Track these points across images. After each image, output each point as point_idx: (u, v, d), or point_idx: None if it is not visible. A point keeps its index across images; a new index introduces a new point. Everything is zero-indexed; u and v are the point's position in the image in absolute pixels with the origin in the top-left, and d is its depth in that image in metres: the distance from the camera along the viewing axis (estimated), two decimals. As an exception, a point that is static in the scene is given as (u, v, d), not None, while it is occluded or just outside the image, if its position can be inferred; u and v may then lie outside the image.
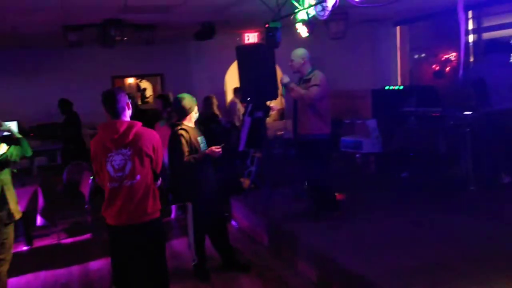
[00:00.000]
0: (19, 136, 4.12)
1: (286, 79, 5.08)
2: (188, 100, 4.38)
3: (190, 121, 4.43)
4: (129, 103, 3.35)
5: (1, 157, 3.84)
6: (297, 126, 5.12)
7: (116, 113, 3.26)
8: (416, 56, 10.72)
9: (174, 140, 4.29)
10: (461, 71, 4.69)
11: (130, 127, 3.22)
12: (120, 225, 3.27)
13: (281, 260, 4.87)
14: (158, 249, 3.41)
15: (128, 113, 3.32)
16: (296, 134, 5.17)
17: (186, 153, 4.23)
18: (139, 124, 3.30)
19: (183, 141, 4.23)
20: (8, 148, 3.90)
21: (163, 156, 3.55)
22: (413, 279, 3.50)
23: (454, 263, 3.71)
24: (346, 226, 4.81)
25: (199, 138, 4.41)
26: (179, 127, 4.31)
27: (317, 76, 4.90)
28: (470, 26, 8.80)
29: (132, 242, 3.29)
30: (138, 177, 3.22)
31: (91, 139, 3.38)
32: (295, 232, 4.83)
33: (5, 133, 4.17)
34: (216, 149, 4.31)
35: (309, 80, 4.93)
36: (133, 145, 3.21)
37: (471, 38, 8.79)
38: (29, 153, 4.13)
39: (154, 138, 3.33)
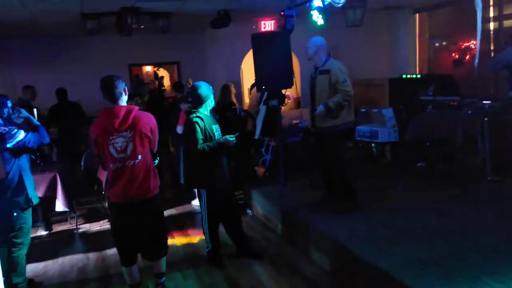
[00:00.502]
0: (38, 123, 4.19)
1: (320, 109, 4.83)
2: (204, 88, 4.40)
3: (205, 109, 4.45)
4: (126, 89, 3.58)
5: (19, 144, 3.91)
6: (314, 116, 5.01)
7: (115, 99, 3.51)
8: (436, 44, 10.54)
9: (189, 128, 4.32)
10: (476, 60, 4.58)
11: (129, 111, 3.48)
12: (125, 202, 3.55)
13: (295, 248, 4.89)
14: (159, 218, 3.80)
15: (125, 98, 3.56)
16: (314, 124, 5.09)
17: (200, 141, 4.26)
18: (136, 108, 3.57)
19: (198, 128, 4.26)
20: (26, 135, 3.97)
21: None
22: (426, 269, 3.49)
23: (468, 254, 3.69)
24: (361, 216, 4.80)
25: (213, 127, 4.43)
26: (195, 115, 4.34)
27: (336, 70, 4.77)
28: (491, 13, 8.62)
29: (136, 216, 3.60)
30: (140, 157, 3.50)
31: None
32: (309, 220, 4.84)
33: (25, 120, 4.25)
34: (230, 138, 4.32)
35: (327, 71, 4.82)
36: (133, 127, 3.46)
37: (491, 26, 8.62)
38: (47, 140, 4.20)
39: (151, 121, 3.60)
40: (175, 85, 8.43)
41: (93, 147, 3.61)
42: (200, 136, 4.27)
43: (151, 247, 3.78)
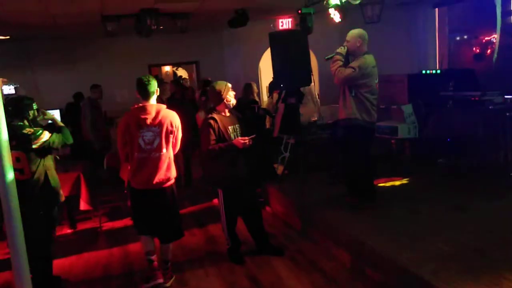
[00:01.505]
0: (61, 124, 4.31)
1: (340, 49, 4.81)
2: (219, 86, 4.44)
3: (224, 108, 4.49)
4: (158, 90, 4.08)
5: (44, 144, 4.03)
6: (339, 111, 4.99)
7: (148, 97, 4.01)
8: (457, 38, 10.40)
9: (202, 128, 4.43)
10: (495, 55, 4.52)
11: (158, 109, 4.00)
12: (147, 189, 4.04)
13: (315, 244, 4.92)
14: (174, 205, 4.24)
15: (155, 97, 4.05)
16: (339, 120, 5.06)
17: (212, 141, 4.32)
18: (164, 106, 4.08)
19: (210, 130, 4.33)
20: (51, 136, 4.08)
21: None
22: (445, 264, 3.48)
23: (488, 249, 3.67)
24: (380, 211, 4.80)
25: (230, 128, 4.45)
26: (210, 116, 4.41)
27: (359, 60, 4.69)
28: (512, 6, 8.47)
29: (155, 201, 4.10)
30: (164, 150, 4.00)
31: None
32: (328, 216, 4.87)
33: (49, 121, 4.37)
34: (243, 140, 4.34)
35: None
36: (161, 124, 3.96)
37: (513, 19, 8.47)
38: (70, 140, 4.32)
39: (175, 119, 4.09)
40: (204, 83, 8.53)
41: (120, 136, 4.07)
42: (212, 137, 4.33)
43: (165, 230, 4.24)
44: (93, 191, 5.99)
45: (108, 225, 6.29)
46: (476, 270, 3.35)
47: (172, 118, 4.04)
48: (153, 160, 3.97)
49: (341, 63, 4.74)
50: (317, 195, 5.65)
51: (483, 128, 5.88)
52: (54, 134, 4.15)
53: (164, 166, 4.01)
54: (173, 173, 4.14)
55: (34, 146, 3.99)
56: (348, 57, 4.87)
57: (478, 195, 5.04)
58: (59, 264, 4.95)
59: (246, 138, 4.37)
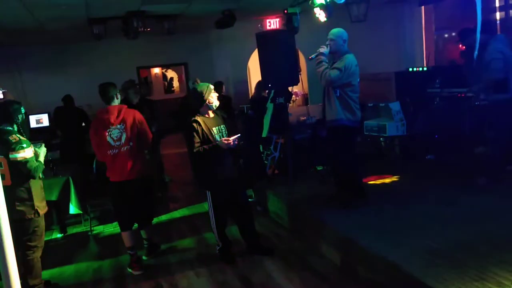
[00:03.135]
0: (41, 161, 4.12)
1: (323, 49, 4.78)
2: (201, 88, 4.46)
3: (207, 110, 4.51)
4: (117, 94, 4.57)
5: (21, 161, 3.88)
6: (324, 111, 5.01)
7: (108, 100, 4.52)
8: (444, 36, 10.50)
9: (186, 131, 4.48)
10: (476, 52, 4.59)
11: (120, 109, 4.50)
12: (122, 181, 4.51)
13: (305, 243, 4.94)
14: (148, 194, 4.76)
15: (117, 100, 4.55)
16: (325, 119, 5.08)
17: (197, 144, 4.33)
18: (125, 106, 4.58)
19: (194, 133, 4.34)
20: (33, 161, 3.96)
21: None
22: (435, 260, 3.52)
23: (477, 245, 3.70)
24: (370, 209, 4.83)
25: (214, 129, 4.46)
26: (192, 118, 4.42)
27: (344, 61, 4.68)
28: (497, 3, 8.57)
29: (130, 191, 4.56)
30: (131, 143, 4.47)
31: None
32: (318, 215, 4.89)
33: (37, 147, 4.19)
34: (226, 141, 4.33)
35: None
36: (124, 121, 4.45)
37: (498, 15, 8.58)
38: (37, 175, 4.06)
39: (136, 115, 4.56)
40: (215, 85, 8.50)
41: (92, 139, 4.53)
42: (196, 139, 4.33)
43: (141, 216, 4.80)
44: (83, 194, 5.96)
45: (98, 228, 6.27)
46: (464, 265, 3.38)
47: (134, 115, 4.54)
48: (124, 154, 4.47)
49: (326, 64, 4.75)
50: (307, 194, 5.67)
51: (470, 124, 5.94)
52: (39, 162, 4.05)
53: (134, 158, 4.49)
54: (146, 165, 4.65)
55: (10, 156, 3.84)
56: (332, 63, 4.86)
57: (465, 191, 5.09)
58: (49, 269, 4.94)
59: (230, 138, 4.36)
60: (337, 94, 4.77)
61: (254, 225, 4.87)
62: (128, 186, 4.53)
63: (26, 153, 3.90)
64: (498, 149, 5.18)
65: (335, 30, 4.84)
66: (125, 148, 4.45)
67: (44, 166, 4.17)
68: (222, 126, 4.55)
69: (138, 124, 4.52)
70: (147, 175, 4.68)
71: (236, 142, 4.34)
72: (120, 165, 4.47)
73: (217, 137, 4.44)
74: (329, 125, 4.96)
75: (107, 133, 4.42)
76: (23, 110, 4.13)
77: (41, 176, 4.18)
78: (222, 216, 4.67)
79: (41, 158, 4.15)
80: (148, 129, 4.65)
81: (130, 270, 4.73)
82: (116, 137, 4.44)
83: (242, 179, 4.77)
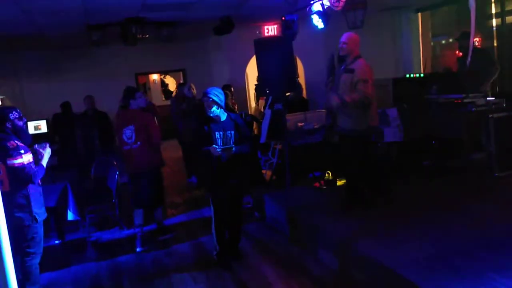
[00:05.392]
0: (42, 164, 4.05)
1: (335, 102, 4.79)
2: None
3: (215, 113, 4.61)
4: (134, 99, 5.34)
5: (19, 166, 3.83)
6: (339, 118, 4.96)
7: (128, 103, 5.37)
8: (442, 42, 10.55)
9: (196, 131, 4.76)
10: (469, 58, 4.64)
11: (133, 112, 5.35)
12: (134, 172, 5.42)
13: (303, 249, 4.94)
14: (156, 183, 5.60)
15: (135, 103, 5.35)
16: (338, 127, 5.04)
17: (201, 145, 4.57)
18: (138, 110, 5.38)
19: (202, 133, 4.53)
20: (30, 164, 3.89)
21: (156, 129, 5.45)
22: (433, 265, 3.53)
23: (475, 250, 3.72)
24: (367, 214, 4.84)
25: (217, 133, 4.53)
26: (203, 121, 4.60)
27: (362, 68, 4.70)
28: (493, 10, 8.63)
29: (142, 180, 5.42)
30: (139, 143, 5.26)
31: None
32: (316, 221, 4.90)
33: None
34: (213, 150, 4.43)
35: (352, 70, 4.75)
36: (135, 123, 5.24)
37: (494, 22, 8.63)
38: (36, 181, 4.01)
39: (145, 118, 5.37)
40: (224, 87, 8.64)
41: (116, 134, 5.48)
42: (202, 140, 4.52)
43: (152, 200, 5.58)
44: (81, 201, 5.95)
45: (96, 235, 6.26)
46: (462, 270, 3.40)
47: (142, 118, 5.33)
48: (134, 150, 5.28)
49: (348, 96, 4.70)
50: (304, 199, 5.68)
51: (467, 130, 5.97)
52: (40, 166, 3.98)
53: (143, 154, 5.26)
54: (153, 159, 5.38)
55: (8, 163, 3.82)
56: (343, 68, 4.85)
57: (463, 196, 5.11)
58: (47, 276, 4.93)
59: (217, 147, 4.45)
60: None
61: (240, 230, 4.92)
62: (140, 177, 5.40)
63: (24, 159, 3.88)
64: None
65: (349, 34, 4.86)
66: (135, 145, 5.26)
67: (44, 171, 4.10)
68: (228, 132, 4.57)
69: (143, 126, 5.27)
70: (155, 167, 5.48)
71: (220, 152, 4.44)
72: (132, 159, 5.32)
73: (219, 141, 4.50)
74: (348, 133, 4.89)
75: (122, 132, 5.28)
76: (11, 116, 3.96)
77: (40, 182, 4.17)
78: (222, 219, 4.69)
79: (45, 160, 4.08)
80: (154, 131, 5.34)
81: (137, 249, 5.42)
82: (128, 136, 5.24)
83: (241, 185, 4.79)
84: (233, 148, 4.50)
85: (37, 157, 4.03)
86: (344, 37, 4.84)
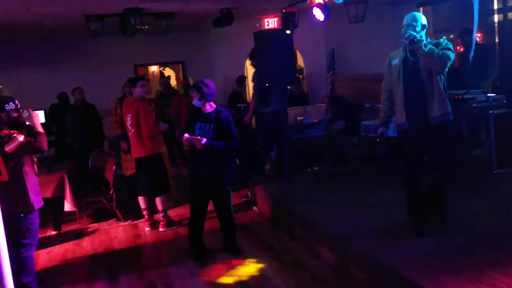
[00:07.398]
0: (40, 130, 3.99)
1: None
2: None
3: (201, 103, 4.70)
4: (135, 88, 5.58)
5: (18, 149, 3.86)
6: (421, 108, 4.08)
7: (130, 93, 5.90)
8: (443, 37, 10.49)
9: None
10: (471, 54, 4.58)
11: (132, 101, 5.61)
12: (138, 158, 5.64)
13: (300, 243, 4.92)
14: (153, 169, 5.66)
15: (136, 91, 5.58)
16: (423, 118, 4.07)
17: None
18: (135, 99, 5.56)
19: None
20: (27, 140, 3.88)
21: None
22: (431, 263, 3.50)
23: (474, 248, 3.69)
24: (365, 210, 4.82)
25: (197, 123, 4.63)
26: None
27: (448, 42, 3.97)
28: (495, 5, 8.56)
29: (139, 168, 5.75)
30: (133, 130, 5.54)
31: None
32: (313, 216, 4.87)
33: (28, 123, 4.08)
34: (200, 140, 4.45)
35: (438, 44, 4.03)
36: (132, 111, 5.50)
37: (496, 18, 8.56)
38: (44, 148, 3.99)
39: (139, 107, 5.47)
40: (238, 79, 8.64)
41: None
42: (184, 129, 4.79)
43: (151, 188, 5.69)
44: (78, 192, 5.93)
45: (93, 226, 6.23)
46: (459, 267, 3.37)
47: (137, 107, 5.47)
48: (131, 137, 5.61)
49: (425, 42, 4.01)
50: (302, 193, 5.65)
51: (467, 126, 5.93)
52: (38, 133, 3.93)
53: (136, 142, 5.55)
54: (147, 146, 5.52)
55: (6, 149, 3.82)
56: (410, 53, 4.27)
57: (462, 193, 5.07)
58: (43, 266, 4.92)
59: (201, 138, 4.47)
60: (441, 81, 4.10)
61: (231, 225, 4.89)
62: (139, 163, 5.70)
63: (19, 139, 3.86)
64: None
65: (416, 14, 4.23)
66: (133, 130, 5.52)
67: (45, 135, 4.00)
68: (209, 125, 4.56)
69: (137, 116, 5.47)
70: (151, 155, 5.56)
71: (186, 142, 4.56)
72: (132, 145, 5.67)
73: (196, 132, 4.54)
74: (441, 120, 4.02)
75: (127, 118, 5.60)
76: (7, 108, 3.96)
77: (36, 171, 4.15)
78: (196, 211, 4.77)
79: (38, 125, 4.01)
80: (146, 119, 5.43)
81: (146, 228, 5.85)
82: (129, 122, 5.54)
83: (220, 179, 4.70)
84: (204, 141, 4.43)
85: (31, 131, 4.00)
86: (410, 19, 4.24)
